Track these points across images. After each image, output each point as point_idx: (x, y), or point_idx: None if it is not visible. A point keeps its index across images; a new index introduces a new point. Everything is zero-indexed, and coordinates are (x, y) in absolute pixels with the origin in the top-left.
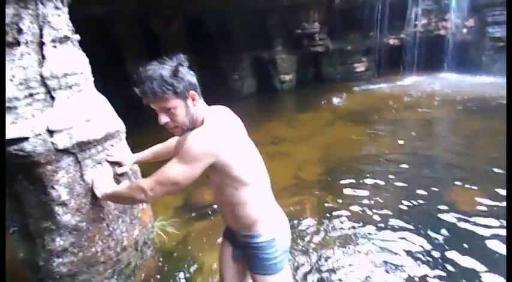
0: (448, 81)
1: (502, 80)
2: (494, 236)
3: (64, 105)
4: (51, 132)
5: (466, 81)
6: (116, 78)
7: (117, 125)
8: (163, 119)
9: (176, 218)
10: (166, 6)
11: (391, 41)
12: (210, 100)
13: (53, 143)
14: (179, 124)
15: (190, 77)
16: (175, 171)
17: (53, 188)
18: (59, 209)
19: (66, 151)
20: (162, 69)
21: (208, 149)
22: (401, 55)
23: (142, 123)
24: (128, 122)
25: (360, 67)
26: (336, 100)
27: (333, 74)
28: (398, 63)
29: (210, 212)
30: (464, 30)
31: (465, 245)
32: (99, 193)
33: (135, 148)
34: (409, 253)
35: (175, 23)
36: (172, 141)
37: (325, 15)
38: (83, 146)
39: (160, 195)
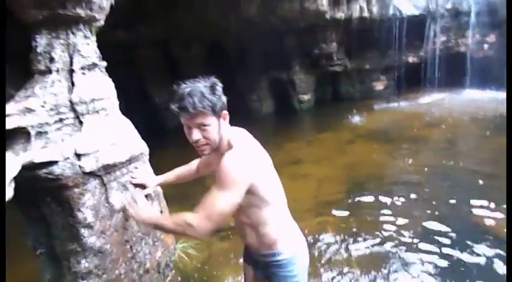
0: (470, 98)
1: None
2: None
3: (91, 130)
4: (78, 156)
5: (489, 97)
6: (137, 99)
7: (141, 147)
8: (197, 135)
9: (197, 239)
10: (187, 31)
11: (410, 59)
12: (229, 121)
13: (80, 166)
14: (210, 141)
15: (224, 97)
16: (220, 201)
17: (80, 211)
18: (84, 231)
19: (92, 174)
20: (200, 86)
21: (246, 172)
22: (420, 73)
23: (164, 145)
24: (149, 144)
25: (379, 86)
26: (355, 119)
27: (352, 93)
28: (418, 81)
29: (230, 234)
30: (486, 46)
31: (498, 270)
32: (139, 217)
33: (154, 170)
34: (431, 275)
35: (195, 46)
36: (194, 163)
37: (342, 35)
38: (109, 168)
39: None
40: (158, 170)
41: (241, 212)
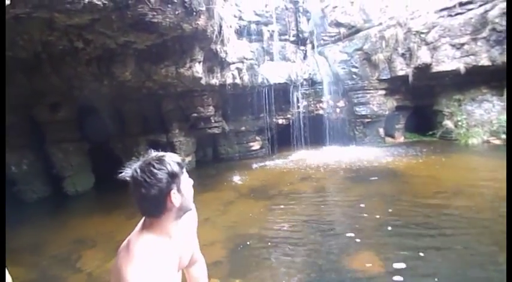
0: (331, 153)
1: (373, 149)
2: None
3: None
4: None
5: (345, 152)
6: None
7: None
8: None
9: None
10: (52, 93)
11: (280, 121)
12: (104, 189)
13: None
14: None
15: None
16: None
17: None
18: None
19: None
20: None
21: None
22: (289, 133)
23: (23, 221)
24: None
25: (255, 145)
26: (236, 178)
27: (231, 153)
28: (288, 140)
29: None
30: (338, 110)
31: None
32: None
33: None
34: None
35: (63, 109)
36: None
37: (218, 100)
38: None
39: None
40: None
41: None
